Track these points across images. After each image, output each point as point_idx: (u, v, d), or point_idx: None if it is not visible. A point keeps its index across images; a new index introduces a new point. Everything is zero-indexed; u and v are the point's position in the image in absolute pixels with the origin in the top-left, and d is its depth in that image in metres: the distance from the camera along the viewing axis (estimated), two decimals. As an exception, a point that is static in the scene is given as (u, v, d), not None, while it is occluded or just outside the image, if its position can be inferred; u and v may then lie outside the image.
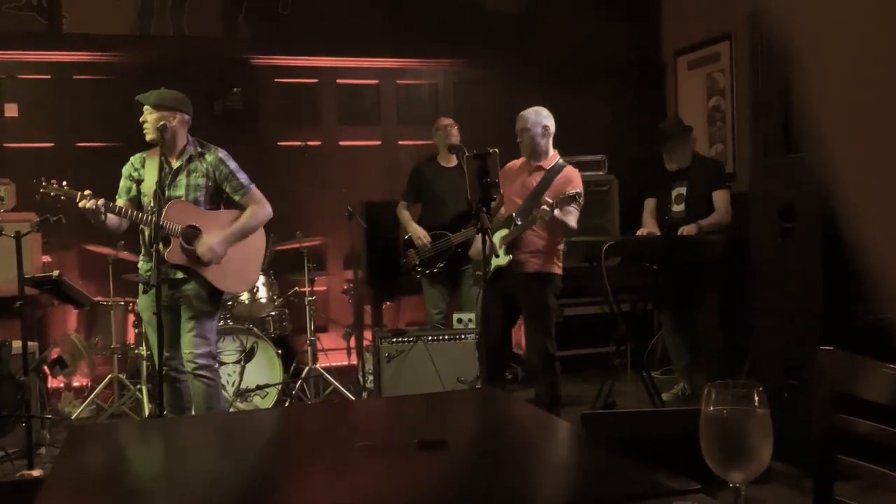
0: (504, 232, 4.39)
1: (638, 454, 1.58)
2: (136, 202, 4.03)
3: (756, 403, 1.19)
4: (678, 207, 5.33)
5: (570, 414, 4.99)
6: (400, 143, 6.77)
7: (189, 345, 3.93)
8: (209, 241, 3.92)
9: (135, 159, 4.07)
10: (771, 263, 4.10)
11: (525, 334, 4.46)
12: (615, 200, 6.30)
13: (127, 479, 1.76)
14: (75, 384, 5.52)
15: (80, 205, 3.74)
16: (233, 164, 4.04)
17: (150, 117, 3.92)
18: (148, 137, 3.93)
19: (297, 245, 5.47)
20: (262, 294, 5.36)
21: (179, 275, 3.95)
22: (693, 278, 5.17)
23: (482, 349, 4.38)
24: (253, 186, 4.07)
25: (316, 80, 6.67)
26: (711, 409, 1.20)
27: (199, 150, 4.02)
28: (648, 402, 4.87)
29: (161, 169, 3.83)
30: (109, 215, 3.84)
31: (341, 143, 6.73)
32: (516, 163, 4.61)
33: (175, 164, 3.98)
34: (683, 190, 5.31)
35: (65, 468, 1.79)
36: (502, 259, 4.37)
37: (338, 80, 6.72)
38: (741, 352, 5.13)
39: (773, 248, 4.05)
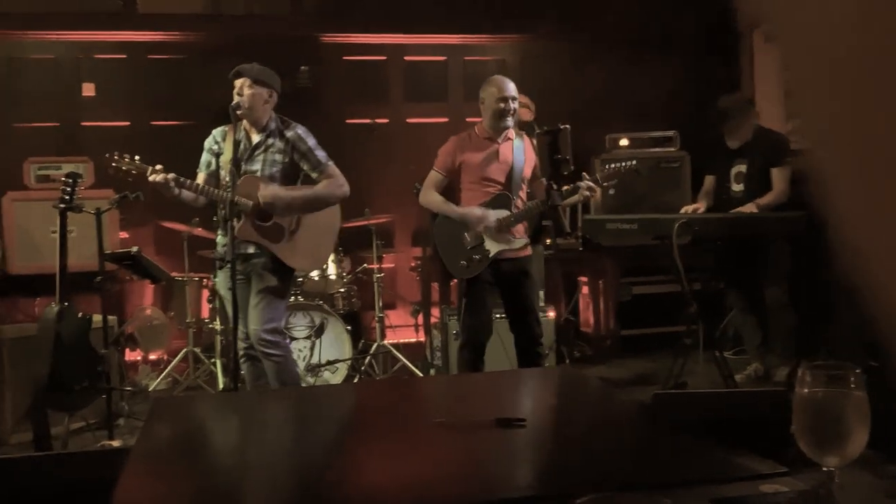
0: (504, 212, 4.18)
1: (710, 435, 1.55)
2: (215, 176, 4.05)
3: (853, 385, 1.16)
4: (738, 186, 5.16)
5: (640, 394, 4.94)
6: (467, 119, 6.72)
7: (255, 320, 3.91)
8: (274, 190, 3.90)
9: (217, 132, 4.08)
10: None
11: (524, 320, 4.25)
12: (687, 177, 6.18)
13: (208, 449, 1.80)
14: (152, 357, 5.67)
15: (150, 178, 3.76)
16: (311, 142, 4.02)
17: (246, 91, 3.90)
18: (240, 112, 3.88)
19: (365, 222, 5.51)
20: (332, 270, 5.42)
21: (251, 249, 3.96)
22: (762, 256, 5.05)
23: (473, 343, 4.26)
24: (331, 164, 4.04)
25: (384, 58, 6.68)
26: (806, 391, 1.17)
27: (280, 126, 4.01)
28: (720, 382, 4.79)
29: (237, 144, 3.85)
30: (183, 190, 3.86)
31: (409, 120, 6.73)
32: (465, 136, 4.37)
33: (255, 138, 3.99)
34: (743, 168, 5.14)
35: (150, 438, 1.84)
36: (514, 242, 4.20)
37: (405, 57, 6.71)
38: (815, 332, 5.00)
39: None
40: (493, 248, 4.22)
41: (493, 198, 4.22)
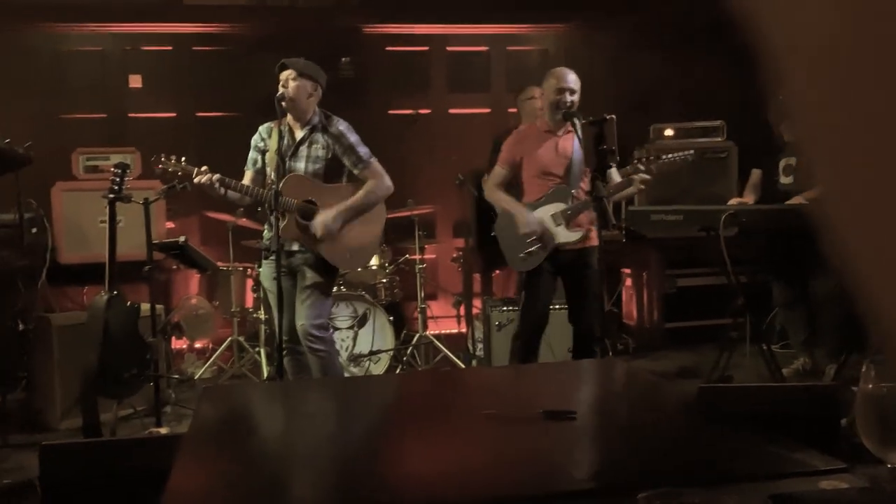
0: (561, 206, 4.16)
1: (757, 429, 1.52)
2: (262, 173, 4.06)
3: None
4: (787, 179, 5.06)
5: (684, 387, 4.88)
6: (510, 110, 6.69)
7: (302, 315, 3.94)
8: (323, 219, 3.91)
9: (262, 129, 4.09)
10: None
11: (582, 311, 4.22)
12: (734, 167, 6.08)
13: (258, 437, 1.81)
14: (197, 346, 5.74)
15: (196, 180, 3.80)
16: (353, 138, 4.01)
17: (291, 83, 3.90)
18: (284, 103, 3.86)
19: (407, 213, 5.51)
20: (374, 261, 5.43)
21: (296, 246, 3.98)
22: (811, 249, 4.94)
23: (528, 334, 4.24)
24: (373, 161, 4.03)
25: (426, 48, 6.67)
26: (871, 386, 1.13)
27: (324, 122, 4.01)
28: (767, 376, 4.71)
29: (281, 138, 3.86)
30: (229, 190, 3.88)
31: (451, 110, 6.72)
32: (526, 130, 4.37)
33: (299, 134, 3.99)
34: (794, 161, 5.05)
35: (200, 426, 1.86)
36: (571, 235, 4.15)
37: (447, 48, 6.70)
38: (863, 326, 4.88)
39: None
40: (565, 238, 4.19)
41: (551, 192, 4.19)
